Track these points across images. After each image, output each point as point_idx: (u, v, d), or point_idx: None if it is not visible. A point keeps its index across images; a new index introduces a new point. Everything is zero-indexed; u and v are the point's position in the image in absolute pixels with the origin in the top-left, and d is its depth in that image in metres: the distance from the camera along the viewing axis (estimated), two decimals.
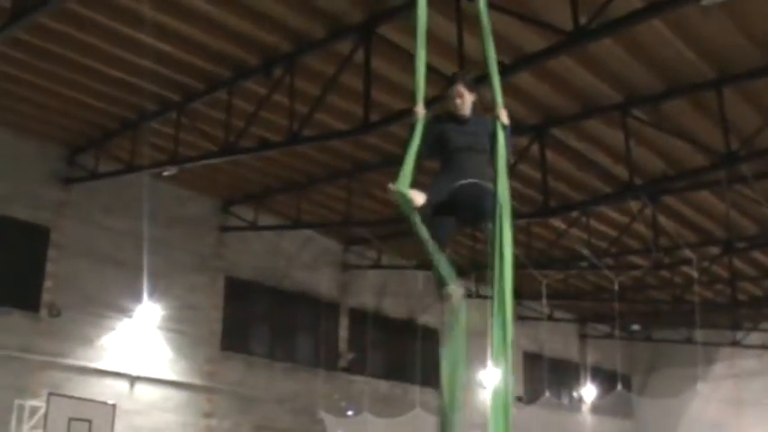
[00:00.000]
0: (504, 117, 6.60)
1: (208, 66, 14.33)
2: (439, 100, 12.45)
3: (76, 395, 17.70)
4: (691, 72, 13.62)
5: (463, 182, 6.48)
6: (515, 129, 15.78)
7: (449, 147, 6.62)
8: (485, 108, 6.84)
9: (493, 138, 6.48)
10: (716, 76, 13.61)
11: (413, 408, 22.36)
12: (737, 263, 23.55)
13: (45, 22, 12.78)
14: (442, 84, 12.39)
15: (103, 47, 13.77)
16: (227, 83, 14.72)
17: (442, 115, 6.87)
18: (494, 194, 6.31)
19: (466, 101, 6.79)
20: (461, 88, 6.83)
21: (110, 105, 16.19)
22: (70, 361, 17.98)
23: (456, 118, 6.77)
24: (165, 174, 17.45)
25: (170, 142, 16.37)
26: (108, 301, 18.73)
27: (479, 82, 7.00)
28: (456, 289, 6.60)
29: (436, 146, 6.64)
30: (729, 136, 13.92)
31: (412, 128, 6.39)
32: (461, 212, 6.64)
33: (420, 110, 6.52)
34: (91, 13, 12.72)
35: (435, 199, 6.40)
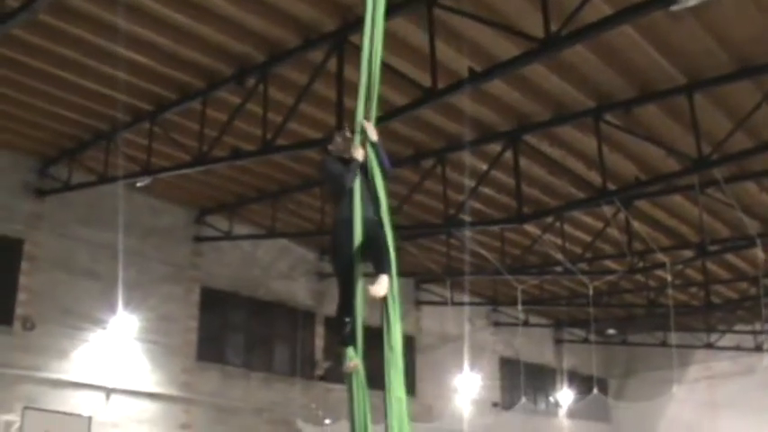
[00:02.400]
0: (371, 133, 6.90)
1: (181, 76, 14.29)
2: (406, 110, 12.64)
3: (52, 408, 17.57)
4: (662, 77, 13.72)
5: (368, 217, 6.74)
6: (488, 136, 15.94)
7: (344, 189, 6.84)
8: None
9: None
10: (687, 82, 13.72)
11: None
12: (711, 266, 23.72)
13: (17, 34, 12.70)
14: (415, 92, 12.49)
15: (76, 58, 13.70)
16: (200, 93, 14.68)
17: (331, 159, 7.21)
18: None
19: (354, 145, 7.06)
20: (349, 134, 7.20)
21: (82, 116, 16.11)
22: (45, 374, 17.84)
23: (344, 160, 7.05)
24: (139, 184, 17.36)
25: (143, 153, 16.30)
26: (83, 313, 18.62)
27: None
28: (354, 356, 6.77)
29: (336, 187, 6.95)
30: (701, 140, 14.03)
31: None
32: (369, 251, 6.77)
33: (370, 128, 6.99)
34: (63, 24, 12.66)
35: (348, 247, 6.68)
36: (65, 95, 15.17)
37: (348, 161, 6.93)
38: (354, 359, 6.72)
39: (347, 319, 6.79)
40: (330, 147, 7.35)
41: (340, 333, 6.89)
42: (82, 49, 13.43)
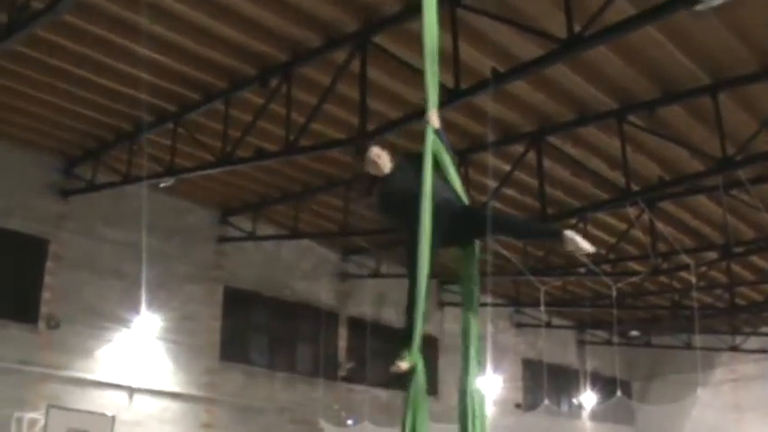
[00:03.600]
0: (434, 120, 6.63)
1: (204, 76, 14.35)
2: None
3: (75, 407, 17.69)
4: (686, 78, 13.65)
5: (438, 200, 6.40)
6: (512, 136, 15.92)
7: (403, 208, 6.60)
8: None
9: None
10: (711, 82, 13.64)
11: None
12: (735, 268, 23.56)
13: (41, 34, 12.81)
14: (439, 93, 12.47)
15: (100, 58, 13.80)
16: (223, 93, 14.74)
17: (376, 188, 7.01)
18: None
19: (384, 160, 6.86)
20: (377, 150, 6.91)
21: (106, 116, 16.21)
22: (69, 373, 17.96)
23: (381, 180, 6.87)
24: (163, 185, 17.44)
25: (167, 153, 16.39)
26: (107, 313, 18.73)
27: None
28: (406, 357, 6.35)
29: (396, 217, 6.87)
30: (725, 141, 13.95)
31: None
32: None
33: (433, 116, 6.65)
34: (87, 24, 12.75)
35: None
36: (89, 96, 15.27)
37: (382, 177, 6.84)
38: (405, 361, 6.31)
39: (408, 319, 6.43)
40: (372, 171, 6.99)
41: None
42: (105, 50, 13.52)
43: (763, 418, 28.95)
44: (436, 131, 6.68)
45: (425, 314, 6.37)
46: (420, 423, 6.20)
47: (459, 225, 6.53)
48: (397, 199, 6.73)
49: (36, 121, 16.68)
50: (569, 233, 6.39)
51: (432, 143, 6.57)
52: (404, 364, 6.30)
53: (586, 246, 6.34)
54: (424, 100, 6.78)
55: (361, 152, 7.01)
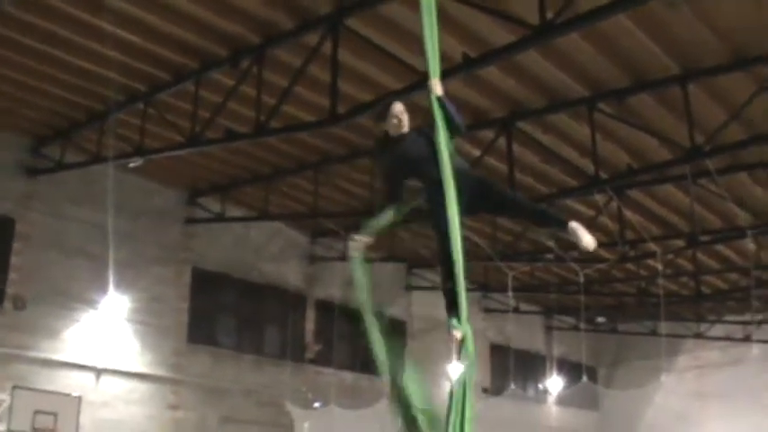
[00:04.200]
0: (437, 88, 6.57)
1: (175, 56, 14.26)
2: (400, 94, 12.62)
3: (41, 388, 17.61)
4: (656, 67, 13.72)
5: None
6: (482, 122, 15.93)
7: (416, 172, 6.63)
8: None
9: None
10: (681, 72, 13.72)
11: (379, 399, 22.41)
12: (701, 256, 23.77)
13: (9, 11, 12.67)
14: (410, 77, 12.47)
15: (69, 36, 13.66)
16: (194, 74, 14.64)
17: (381, 145, 6.96)
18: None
19: (404, 120, 6.79)
20: (400, 106, 6.85)
21: (75, 96, 16.07)
22: (35, 353, 17.86)
23: (396, 139, 6.78)
24: (132, 165, 17.34)
25: (136, 133, 16.29)
26: (74, 293, 18.63)
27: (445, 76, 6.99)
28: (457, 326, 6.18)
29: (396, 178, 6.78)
30: (694, 131, 14.05)
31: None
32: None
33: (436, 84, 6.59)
34: (57, 2, 12.62)
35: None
36: (58, 74, 15.13)
37: (400, 139, 6.77)
38: (457, 329, 6.10)
39: (449, 287, 6.24)
40: (393, 128, 6.84)
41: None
42: (75, 28, 13.39)
43: (725, 405, 29.26)
44: (439, 99, 6.58)
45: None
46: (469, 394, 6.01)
47: (475, 195, 6.44)
48: (412, 161, 6.66)
49: (4, 100, 16.50)
50: (574, 224, 6.38)
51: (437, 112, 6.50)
52: (458, 333, 6.13)
53: (588, 240, 6.31)
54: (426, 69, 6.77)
55: (382, 111, 6.88)
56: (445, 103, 6.59)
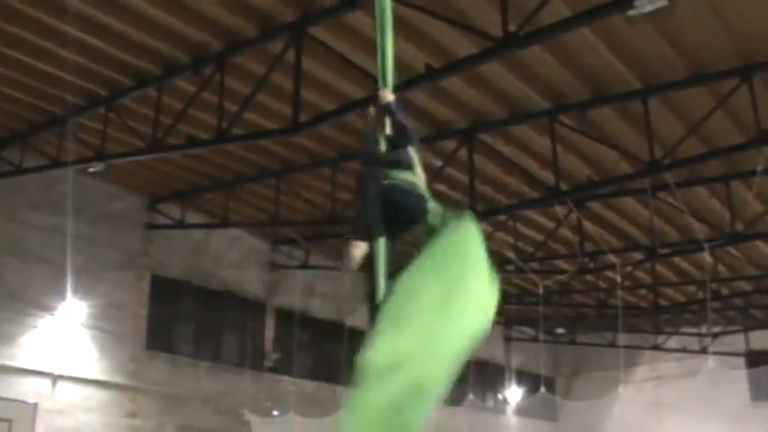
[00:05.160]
0: (387, 95, 6.50)
1: (137, 61, 14.18)
2: (362, 104, 12.63)
3: None
4: (617, 81, 13.86)
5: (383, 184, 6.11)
6: (444, 132, 15.97)
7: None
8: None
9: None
10: (642, 86, 13.88)
11: (339, 409, 22.38)
12: (660, 269, 24.00)
13: None
14: (373, 87, 12.44)
15: (30, 39, 13.52)
16: (156, 79, 14.56)
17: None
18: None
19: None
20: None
21: (36, 99, 15.92)
22: None
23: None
24: (92, 170, 17.22)
25: (97, 138, 16.18)
26: (31, 299, 18.43)
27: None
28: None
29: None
30: (654, 144, 14.21)
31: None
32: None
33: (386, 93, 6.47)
34: (17, 3, 12.50)
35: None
36: (17, 77, 14.97)
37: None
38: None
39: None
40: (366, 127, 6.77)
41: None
42: (37, 30, 13.26)
43: (682, 416, 29.47)
44: (386, 107, 6.48)
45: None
46: None
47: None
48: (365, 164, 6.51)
49: None
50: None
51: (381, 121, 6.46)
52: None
53: (351, 256, 5.99)
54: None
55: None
56: (395, 111, 6.48)
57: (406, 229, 6.09)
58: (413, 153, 6.43)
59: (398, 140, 6.44)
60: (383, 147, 6.41)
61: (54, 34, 13.25)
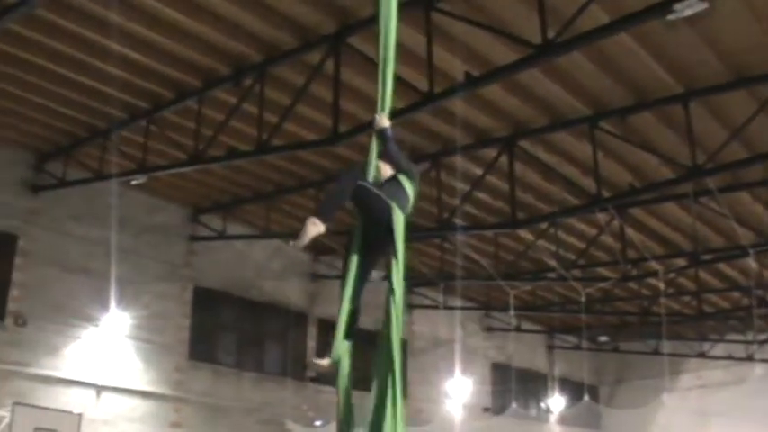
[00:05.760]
0: (383, 121, 6.72)
1: (178, 74, 14.29)
2: (403, 113, 12.69)
3: (42, 405, 17.56)
4: (658, 86, 13.75)
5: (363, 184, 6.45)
6: (484, 141, 15.96)
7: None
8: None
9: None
10: (683, 91, 13.75)
11: None
12: (704, 275, 23.75)
13: (14, 29, 12.71)
14: (412, 96, 12.51)
15: (73, 54, 13.70)
16: (197, 92, 14.68)
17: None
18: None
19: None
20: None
21: (79, 113, 16.11)
22: (36, 370, 17.83)
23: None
24: (134, 182, 17.39)
25: (139, 150, 16.33)
26: (75, 310, 18.61)
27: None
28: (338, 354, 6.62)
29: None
30: (695, 149, 14.06)
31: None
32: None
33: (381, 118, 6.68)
34: (61, 19, 12.66)
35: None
36: (61, 91, 15.17)
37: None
38: (325, 359, 6.65)
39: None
40: None
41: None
42: (79, 46, 13.43)
43: (728, 424, 29.15)
44: (380, 133, 6.74)
45: (354, 313, 6.60)
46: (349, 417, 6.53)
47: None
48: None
49: (7, 117, 16.55)
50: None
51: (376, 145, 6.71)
52: (323, 362, 6.62)
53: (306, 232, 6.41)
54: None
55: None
56: (388, 138, 6.71)
57: (380, 228, 6.40)
58: (402, 179, 6.65)
59: (390, 163, 6.74)
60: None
61: (95, 49, 13.41)
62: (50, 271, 18.37)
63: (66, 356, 18.42)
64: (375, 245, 6.51)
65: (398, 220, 6.27)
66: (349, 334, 6.62)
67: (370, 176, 6.62)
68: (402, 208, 6.38)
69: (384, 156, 6.74)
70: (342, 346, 6.57)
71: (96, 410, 18.63)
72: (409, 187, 6.61)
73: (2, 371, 17.31)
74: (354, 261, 6.47)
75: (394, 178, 6.64)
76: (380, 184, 6.61)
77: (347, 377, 6.59)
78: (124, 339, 19.34)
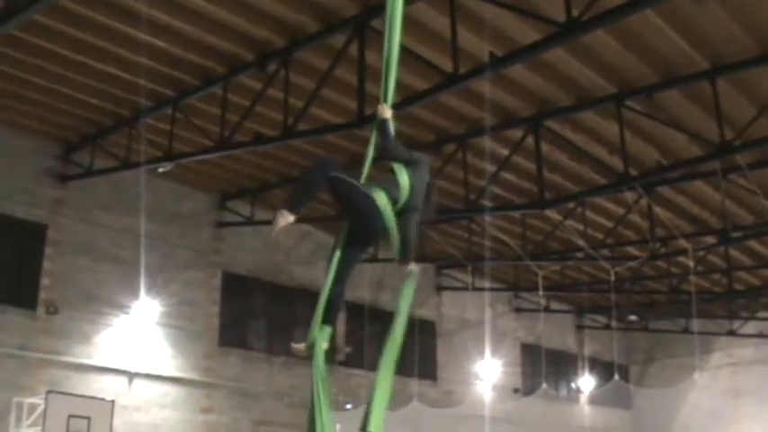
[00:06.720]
0: (385, 112, 6.82)
1: (202, 61, 14.33)
2: (428, 94, 12.64)
3: (75, 392, 17.69)
4: (684, 62, 13.63)
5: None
6: (510, 121, 15.89)
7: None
8: None
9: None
10: (710, 67, 13.62)
11: (410, 400, 22.43)
12: (733, 252, 23.59)
13: (38, 19, 12.76)
14: (436, 77, 12.46)
15: (97, 43, 13.76)
16: (221, 78, 14.71)
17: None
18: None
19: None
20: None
21: (104, 101, 16.18)
22: (68, 358, 18.00)
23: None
24: (161, 170, 17.47)
25: (165, 138, 16.38)
26: (105, 298, 18.75)
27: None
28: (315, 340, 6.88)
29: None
30: (723, 126, 13.94)
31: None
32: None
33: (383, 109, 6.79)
34: (84, 9, 12.71)
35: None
36: (87, 81, 15.24)
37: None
38: (302, 343, 6.99)
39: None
40: None
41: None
42: (103, 35, 13.48)
43: (760, 402, 29.07)
44: (379, 124, 6.84)
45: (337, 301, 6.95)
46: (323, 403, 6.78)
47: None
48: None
49: (34, 107, 16.65)
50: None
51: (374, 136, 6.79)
52: (300, 346, 6.99)
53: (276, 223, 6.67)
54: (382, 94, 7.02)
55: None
56: (387, 128, 6.81)
57: (363, 217, 6.59)
58: (398, 169, 6.73)
59: (386, 155, 6.83)
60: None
61: (120, 37, 13.46)
62: (80, 260, 18.51)
63: (98, 344, 18.58)
64: (359, 233, 6.70)
65: (383, 206, 6.41)
66: (328, 320, 6.91)
67: (366, 168, 6.71)
68: (391, 195, 6.49)
69: (382, 148, 6.79)
70: (318, 332, 6.84)
71: (128, 397, 18.78)
72: (404, 177, 6.65)
73: (36, 359, 17.49)
74: (339, 248, 6.70)
75: (390, 170, 6.70)
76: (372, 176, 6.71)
77: (322, 366, 6.79)
78: (154, 327, 19.47)
